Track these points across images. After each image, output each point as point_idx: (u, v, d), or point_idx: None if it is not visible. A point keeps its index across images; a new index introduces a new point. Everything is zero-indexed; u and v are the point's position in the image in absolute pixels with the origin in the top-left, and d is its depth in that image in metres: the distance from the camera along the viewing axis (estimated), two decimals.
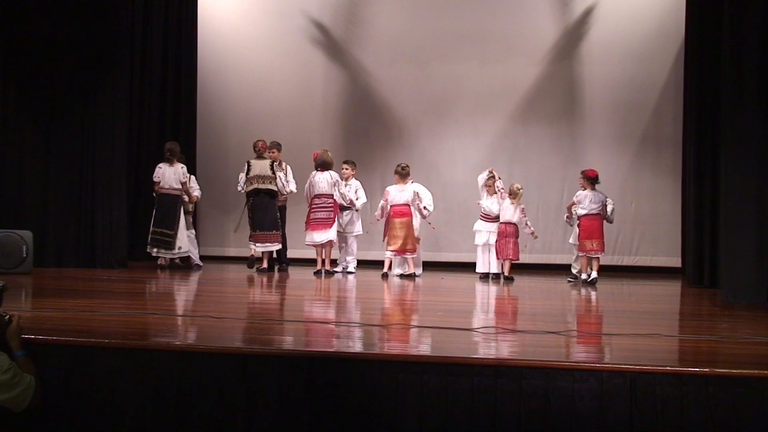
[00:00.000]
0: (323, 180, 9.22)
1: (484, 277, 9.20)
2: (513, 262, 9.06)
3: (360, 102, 11.48)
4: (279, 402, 3.91)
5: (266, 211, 9.38)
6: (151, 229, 9.59)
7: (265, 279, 8.92)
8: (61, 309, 5.52)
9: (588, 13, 10.90)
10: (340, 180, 9.35)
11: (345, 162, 9.79)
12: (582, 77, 10.95)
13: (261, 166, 9.41)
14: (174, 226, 9.54)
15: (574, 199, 8.98)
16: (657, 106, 10.73)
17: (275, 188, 9.38)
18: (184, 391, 4.00)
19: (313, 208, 9.26)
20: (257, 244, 9.41)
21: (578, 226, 8.96)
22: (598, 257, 8.85)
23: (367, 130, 11.45)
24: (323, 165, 9.27)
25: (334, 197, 9.24)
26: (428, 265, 9.84)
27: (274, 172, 9.38)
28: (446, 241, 10.98)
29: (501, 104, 11.10)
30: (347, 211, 9.53)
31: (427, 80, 11.23)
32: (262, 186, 9.36)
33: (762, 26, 6.88)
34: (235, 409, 3.94)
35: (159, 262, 9.73)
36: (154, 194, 9.70)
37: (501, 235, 9.04)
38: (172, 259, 9.71)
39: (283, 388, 3.92)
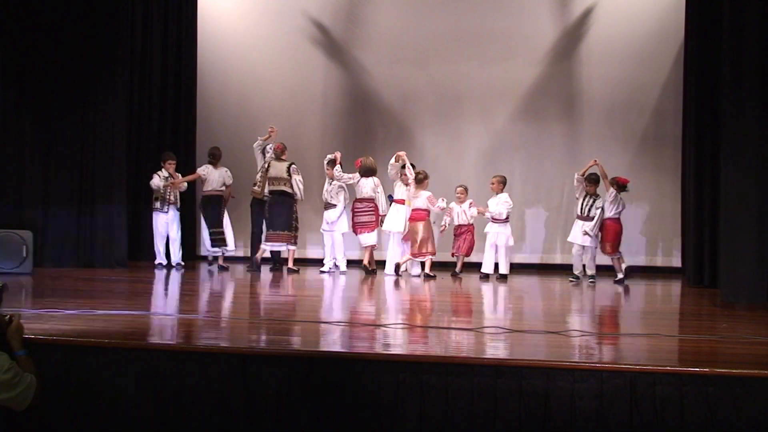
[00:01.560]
0: (367, 185, 9.50)
1: (484, 277, 9.23)
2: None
3: (360, 102, 11.48)
4: (279, 402, 3.91)
5: (279, 211, 9.52)
6: (209, 230, 9.87)
7: (264, 279, 8.94)
8: (61, 309, 5.52)
9: (588, 13, 10.90)
10: (381, 186, 9.64)
11: (328, 163, 9.78)
12: (582, 77, 10.94)
13: (278, 168, 9.56)
14: (221, 224, 9.91)
15: (610, 199, 9.00)
16: (657, 106, 10.73)
17: (288, 190, 9.51)
18: (184, 391, 4.00)
19: (357, 212, 9.59)
20: (267, 243, 9.58)
21: (603, 228, 9.04)
22: (617, 257, 9.06)
23: (366, 130, 11.45)
24: (368, 172, 9.54)
25: (375, 201, 9.57)
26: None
27: (290, 175, 9.51)
28: (446, 241, 10.96)
29: (501, 104, 11.09)
30: (333, 209, 9.60)
31: (427, 80, 11.23)
32: (276, 188, 9.52)
33: (762, 26, 6.88)
34: (235, 409, 3.94)
35: (158, 261, 9.82)
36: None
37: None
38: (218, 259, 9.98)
39: (283, 388, 3.92)
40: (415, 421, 3.81)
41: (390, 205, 9.58)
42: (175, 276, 9.05)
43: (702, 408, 3.65)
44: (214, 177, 9.87)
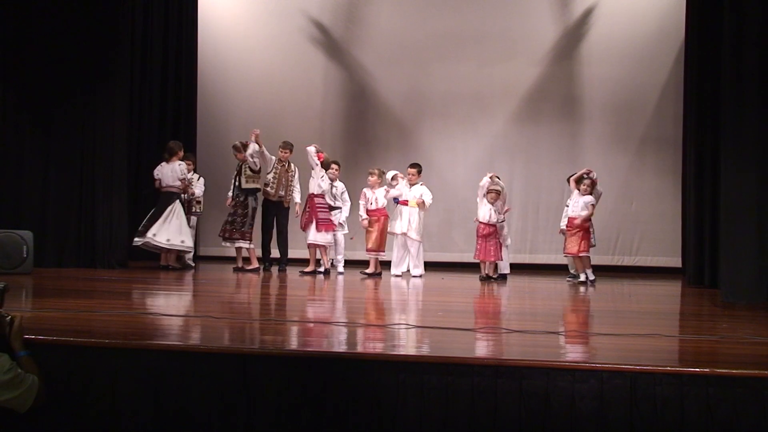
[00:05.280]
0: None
1: (486, 278, 9.22)
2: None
3: (360, 102, 11.49)
4: (279, 402, 3.91)
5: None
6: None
7: (263, 279, 8.94)
8: (61, 309, 5.52)
9: (588, 13, 10.91)
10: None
11: (333, 162, 9.79)
12: (582, 77, 10.95)
13: None
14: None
15: (594, 203, 9.05)
16: (657, 107, 10.74)
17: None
18: (184, 391, 4.00)
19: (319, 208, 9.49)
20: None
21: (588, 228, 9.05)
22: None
23: (366, 130, 11.47)
24: (327, 166, 9.47)
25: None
26: (429, 265, 9.82)
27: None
28: (447, 241, 10.98)
29: (501, 104, 11.10)
30: (335, 211, 9.56)
31: (427, 80, 11.23)
32: None
33: (762, 26, 6.88)
34: (235, 409, 3.94)
35: (161, 263, 9.76)
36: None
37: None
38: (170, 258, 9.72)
39: (283, 388, 3.92)
40: (415, 421, 3.81)
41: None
42: (174, 276, 9.04)
43: (702, 408, 3.65)
44: (165, 173, 9.68)
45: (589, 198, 8.96)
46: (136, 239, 9.57)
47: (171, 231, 9.49)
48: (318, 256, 9.46)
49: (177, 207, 9.63)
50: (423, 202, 9.37)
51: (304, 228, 9.41)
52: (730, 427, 3.62)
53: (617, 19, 10.81)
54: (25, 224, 8.91)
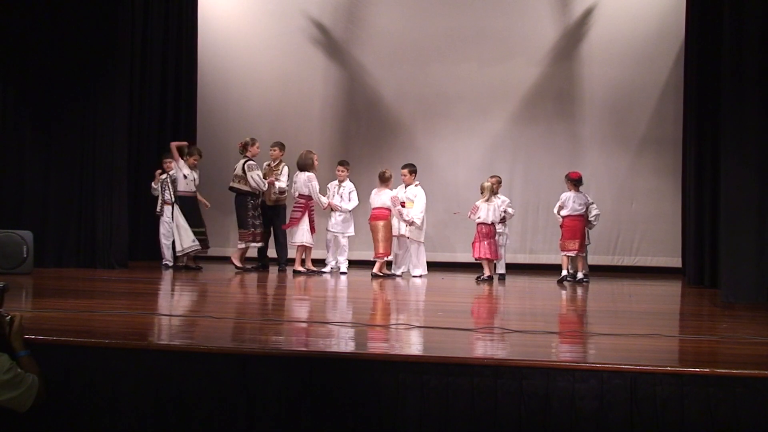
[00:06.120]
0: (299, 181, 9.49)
1: (488, 279, 9.22)
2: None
3: (360, 102, 11.49)
4: (279, 402, 3.91)
5: (237, 210, 9.71)
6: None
7: (263, 279, 8.94)
8: (61, 309, 5.52)
9: (588, 13, 10.91)
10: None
11: (340, 163, 9.78)
12: (582, 78, 10.95)
13: (237, 166, 9.66)
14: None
15: (559, 203, 9.08)
16: (657, 107, 10.74)
17: (242, 187, 9.57)
18: (184, 391, 4.00)
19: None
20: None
21: (561, 226, 9.07)
22: (583, 255, 9.04)
23: (366, 130, 11.47)
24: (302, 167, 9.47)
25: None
26: (428, 266, 9.82)
27: (244, 172, 9.52)
28: (446, 241, 10.98)
29: (501, 104, 11.10)
30: (339, 212, 9.54)
31: (427, 80, 11.24)
32: (233, 185, 9.68)
33: (762, 26, 6.88)
34: (235, 409, 3.94)
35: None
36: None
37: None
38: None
39: (283, 389, 3.92)
40: (415, 421, 3.81)
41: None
42: (175, 276, 9.04)
43: (702, 408, 3.64)
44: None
45: (563, 195, 9.02)
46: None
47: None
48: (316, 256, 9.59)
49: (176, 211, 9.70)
50: (404, 203, 9.33)
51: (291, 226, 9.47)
52: (730, 427, 3.62)
53: (617, 19, 10.81)
54: (25, 224, 8.91)
